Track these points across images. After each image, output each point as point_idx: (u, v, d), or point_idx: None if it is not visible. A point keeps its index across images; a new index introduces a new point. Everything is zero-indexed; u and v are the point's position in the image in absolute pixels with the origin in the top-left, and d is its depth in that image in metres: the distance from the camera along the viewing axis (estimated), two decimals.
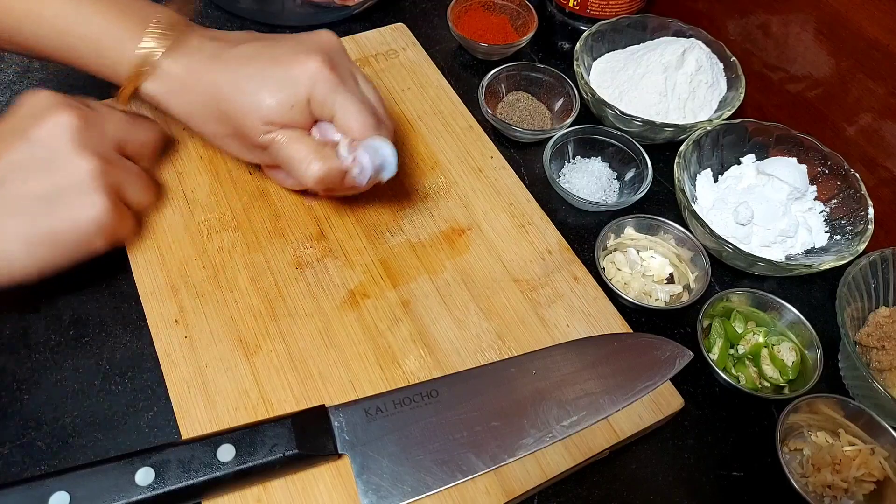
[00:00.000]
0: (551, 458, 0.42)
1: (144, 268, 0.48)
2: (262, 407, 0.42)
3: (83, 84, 0.58)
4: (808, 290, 0.54)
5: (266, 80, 0.43)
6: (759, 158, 0.57)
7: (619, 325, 0.48)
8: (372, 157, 0.43)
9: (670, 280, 0.53)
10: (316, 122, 0.46)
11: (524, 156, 0.60)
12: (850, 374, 0.48)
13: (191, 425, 0.41)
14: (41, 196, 0.40)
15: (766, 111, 0.62)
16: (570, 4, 0.64)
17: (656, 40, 0.63)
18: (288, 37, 0.46)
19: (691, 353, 0.41)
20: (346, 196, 0.53)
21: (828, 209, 0.55)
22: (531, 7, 0.67)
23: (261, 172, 0.53)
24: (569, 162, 0.59)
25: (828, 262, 0.50)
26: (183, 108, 0.46)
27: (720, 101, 0.60)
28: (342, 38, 0.64)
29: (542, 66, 0.62)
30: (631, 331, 0.48)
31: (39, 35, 0.45)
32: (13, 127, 0.42)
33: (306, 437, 0.39)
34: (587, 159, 0.59)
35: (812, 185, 0.56)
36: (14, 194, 0.40)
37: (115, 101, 0.46)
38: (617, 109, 0.57)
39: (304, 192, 0.52)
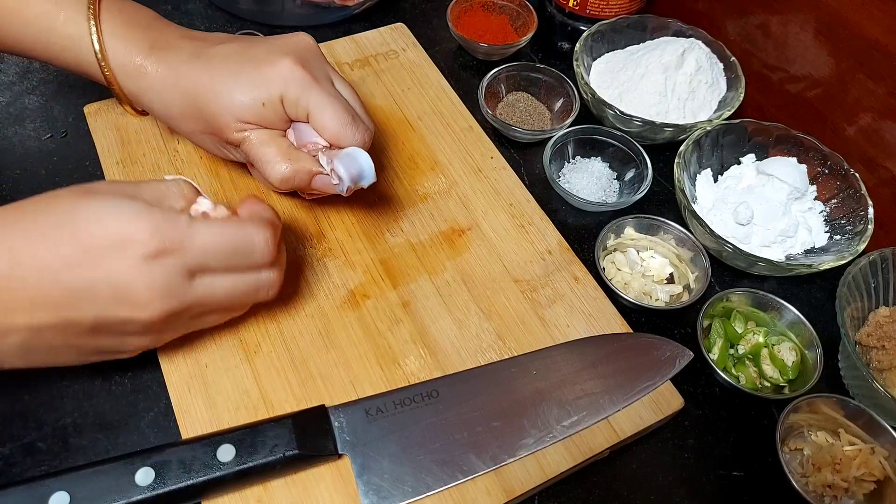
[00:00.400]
0: (552, 458, 0.42)
1: None
2: (262, 407, 0.42)
3: (82, 85, 0.58)
4: (808, 290, 0.54)
5: (240, 80, 0.44)
6: (759, 158, 0.57)
7: (619, 325, 0.48)
8: (348, 167, 0.43)
9: (670, 280, 0.53)
10: (292, 123, 0.46)
11: (524, 156, 0.60)
12: (850, 374, 0.48)
13: (191, 425, 0.41)
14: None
15: (766, 111, 0.62)
16: (570, 4, 0.64)
17: (656, 40, 0.63)
18: (265, 39, 0.47)
19: (691, 353, 0.41)
20: (345, 197, 0.53)
21: (828, 209, 0.55)
22: (531, 7, 0.67)
23: None
24: (569, 162, 0.59)
25: (828, 262, 0.50)
26: (162, 105, 0.46)
27: (720, 101, 0.60)
28: (342, 38, 0.64)
29: (542, 66, 0.62)
30: (631, 331, 0.48)
31: (22, 34, 0.45)
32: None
33: (306, 437, 0.39)
34: (587, 159, 0.59)
35: (812, 185, 0.56)
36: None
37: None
38: (617, 109, 0.57)
39: (298, 195, 0.52)
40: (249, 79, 0.44)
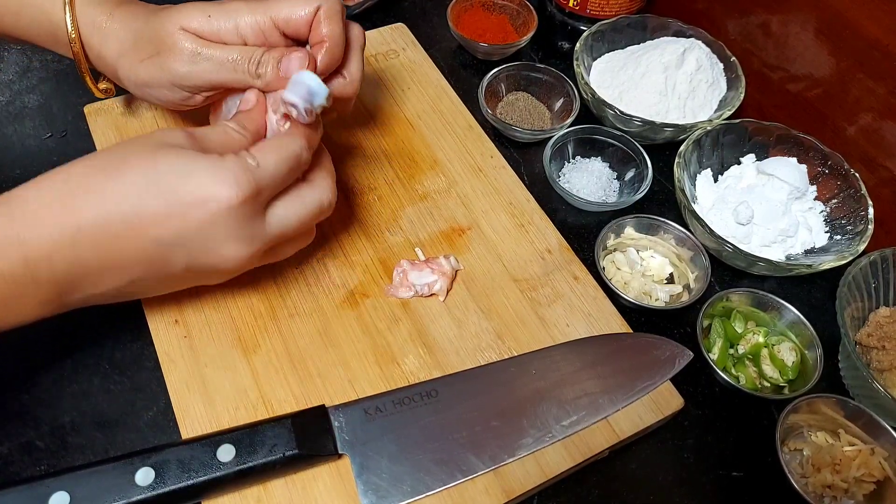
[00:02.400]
0: (551, 458, 0.42)
1: None
2: (261, 407, 0.42)
3: (82, 85, 0.58)
4: (808, 290, 0.54)
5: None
6: (759, 158, 0.57)
7: (619, 324, 0.48)
8: (297, 93, 0.42)
9: (670, 280, 0.53)
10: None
11: (524, 156, 0.60)
12: (850, 374, 0.48)
13: (191, 425, 0.41)
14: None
15: (766, 111, 0.62)
16: (570, 4, 0.64)
17: (656, 40, 0.63)
18: None
19: (691, 353, 0.41)
20: (344, 195, 0.53)
21: (828, 209, 0.55)
22: (531, 7, 0.67)
23: None
24: (569, 162, 0.59)
25: (828, 262, 0.50)
26: (118, 42, 0.45)
27: (720, 101, 0.60)
28: None
29: (542, 66, 0.62)
30: (631, 331, 0.48)
31: None
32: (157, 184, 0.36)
33: (306, 437, 0.39)
34: (587, 159, 0.59)
35: (812, 184, 0.56)
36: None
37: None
38: (617, 109, 0.57)
39: None
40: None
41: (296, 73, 0.42)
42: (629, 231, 0.54)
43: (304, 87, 0.41)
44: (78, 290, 0.37)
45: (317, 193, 0.42)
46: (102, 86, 0.50)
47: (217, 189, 0.36)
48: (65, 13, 0.44)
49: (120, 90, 0.50)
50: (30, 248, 0.34)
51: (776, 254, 0.53)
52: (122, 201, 0.35)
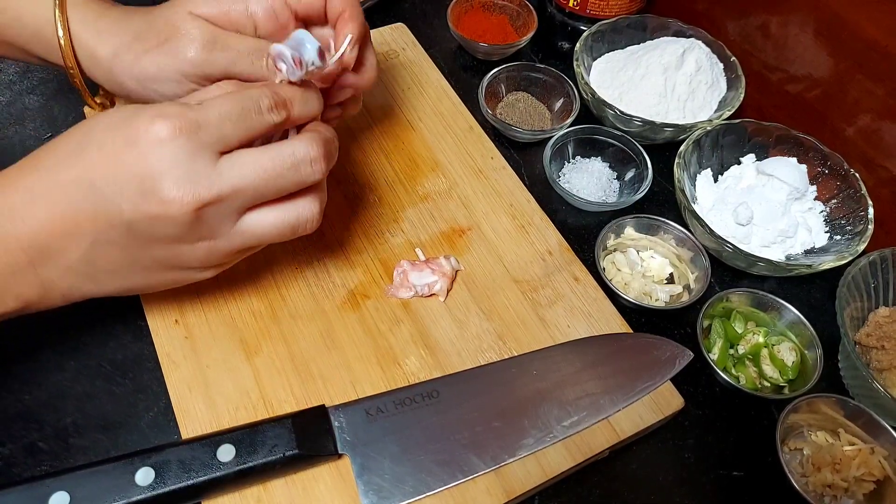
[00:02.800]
0: (552, 458, 0.42)
1: None
2: (262, 407, 0.42)
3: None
4: (808, 290, 0.54)
5: None
6: (759, 158, 0.57)
7: (619, 325, 0.48)
8: (287, 43, 0.39)
9: (670, 280, 0.53)
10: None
11: (524, 156, 0.60)
12: (850, 374, 0.48)
13: (191, 425, 0.41)
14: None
15: (766, 111, 0.62)
16: (570, 4, 0.64)
17: (656, 40, 0.63)
18: None
19: (691, 353, 0.41)
20: (344, 195, 0.53)
21: (828, 209, 0.55)
22: (531, 7, 0.67)
23: None
24: (569, 162, 0.59)
25: (828, 262, 0.50)
26: (114, 36, 0.43)
27: (720, 101, 0.60)
28: None
29: (542, 66, 0.62)
30: (631, 331, 0.48)
31: None
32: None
33: (306, 437, 0.39)
34: (587, 159, 0.59)
35: (812, 185, 0.56)
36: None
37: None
38: (617, 109, 0.57)
39: None
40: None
41: (293, 33, 0.40)
42: (629, 231, 0.54)
43: (295, 39, 0.39)
44: (48, 260, 0.36)
45: (292, 145, 0.37)
46: (99, 99, 0.49)
47: (148, 126, 0.34)
48: (54, 9, 0.43)
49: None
50: None
51: (776, 254, 0.53)
52: (67, 156, 0.35)
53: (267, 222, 0.38)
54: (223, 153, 0.36)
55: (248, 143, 0.37)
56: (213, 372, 0.43)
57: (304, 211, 0.38)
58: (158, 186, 0.34)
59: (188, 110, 0.35)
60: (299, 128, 0.40)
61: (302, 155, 0.37)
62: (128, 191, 0.34)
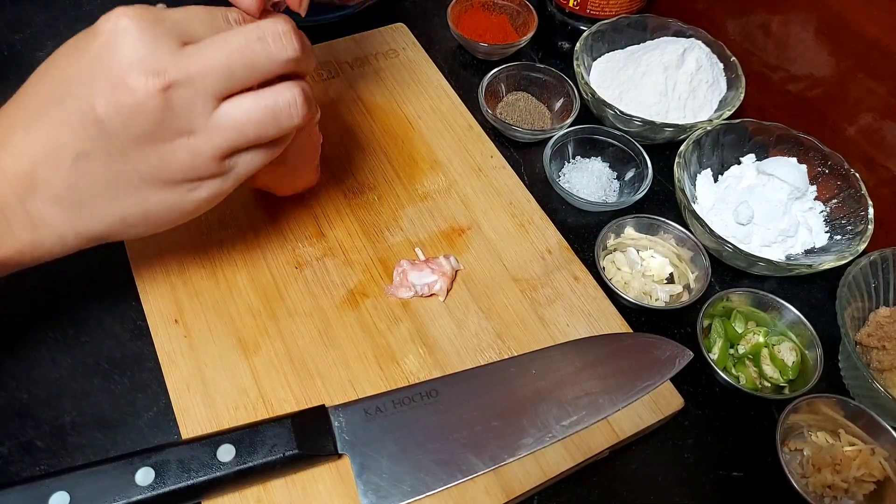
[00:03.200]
0: (551, 457, 0.42)
1: (143, 267, 0.47)
2: (261, 406, 0.42)
3: None
4: (808, 290, 0.54)
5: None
6: (759, 158, 0.57)
7: (619, 325, 0.48)
8: None
9: (670, 280, 0.53)
10: None
11: (524, 156, 0.60)
12: (850, 374, 0.48)
13: (191, 425, 0.41)
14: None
15: (766, 111, 0.62)
16: (570, 4, 0.64)
17: (656, 40, 0.63)
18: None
19: (691, 353, 0.41)
20: (344, 195, 0.53)
21: (828, 209, 0.55)
22: (531, 7, 0.67)
23: None
24: (569, 162, 0.59)
25: (828, 262, 0.50)
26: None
27: (720, 101, 0.60)
28: (342, 38, 0.64)
29: (542, 66, 0.62)
30: (631, 331, 0.48)
31: None
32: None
33: (306, 437, 0.39)
34: (587, 159, 0.59)
35: (812, 185, 0.56)
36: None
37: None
38: (617, 109, 0.57)
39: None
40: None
41: None
42: (629, 231, 0.54)
43: None
44: (35, 191, 0.35)
45: (257, 22, 0.36)
46: None
47: (110, 20, 0.34)
48: None
49: None
50: None
51: (776, 254, 0.53)
52: (40, 79, 0.36)
53: (243, 108, 0.36)
54: (187, 44, 0.35)
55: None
56: (212, 371, 0.43)
57: (284, 95, 0.37)
58: (124, 74, 0.33)
59: (152, 8, 0.35)
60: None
61: (269, 28, 0.35)
62: (96, 85, 0.34)
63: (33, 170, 0.34)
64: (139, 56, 0.33)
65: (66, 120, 0.34)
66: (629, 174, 0.58)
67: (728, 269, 0.54)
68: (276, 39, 0.35)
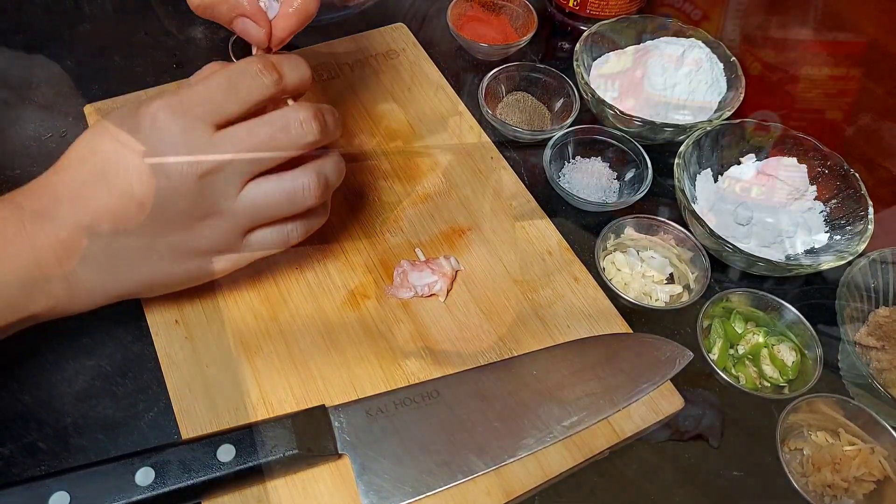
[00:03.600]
0: (552, 458, 0.42)
1: None
2: (262, 407, 0.42)
3: (82, 85, 0.58)
4: (808, 290, 0.54)
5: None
6: (759, 158, 0.57)
7: (619, 325, 0.48)
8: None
9: (670, 280, 0.53)
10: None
11: (524, 156, 0.60)
12: (850, 374, 0.48)
13: (191, 425, 0.41)
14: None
15: (766, 111, 0.62)
16: (570, 4, 0.64)
17: (656, 40, 0.63)
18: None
19: (691, 354, 0.41)
20: (344, 196, 0.53)
21: (827, 209, 0.55)
22: (531, 7, 0.67)
23: None
24: (569, 162, 0.59)
25: (828, 262, 0.50)
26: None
27: (720, 102, 0.60)
28: (342, 38, 0.64)
29: (542, 66, 0.62)
30: (631, 331, 0.48)
31: None
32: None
33: (306, 437, 0.39)
34: (587, 159, 0.59)
35: (812, 185, 0.56)
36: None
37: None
38: (617, 109, 0.57)
39: None
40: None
41: None
42: (629, 231, 0.54)
43: None
44: (74, 256, 0.38)
45: (282, 111, 0.39)
46: None
47: (147, 113, 0.37)
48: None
49: None
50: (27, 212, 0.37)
51: (776, 254, 0.53)
52: (82, 158, 0.39)
53: (264, 191, 0.39)
54: (221, 125, 0.38)
55: (250, 116, 0.39)
56: (214, 372, 0.43)
57: (300, 179, 0.40)
58: (163, 160, 0.37)
59: (181, 91, 0.38)
60: None
61: (292, 116, 0.39)
62: (136, 169, 0.37)
63: (75, 239, 0.38)
64: (175, 144, 0.37)
65: (106, 198, 0.37)
66: (629, 174, 0.58)
67: (728, 270, 0.54)
68: (297, 127, 0.39)
